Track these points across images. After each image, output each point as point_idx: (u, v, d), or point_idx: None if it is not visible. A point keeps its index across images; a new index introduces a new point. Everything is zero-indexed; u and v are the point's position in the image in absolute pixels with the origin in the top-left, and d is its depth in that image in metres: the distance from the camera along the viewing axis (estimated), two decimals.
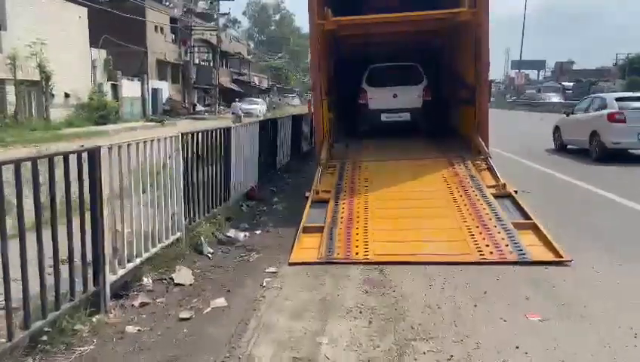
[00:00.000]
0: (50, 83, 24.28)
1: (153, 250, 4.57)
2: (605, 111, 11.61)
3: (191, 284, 4.53)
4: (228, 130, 6.61)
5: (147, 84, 35.97)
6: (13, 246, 2.98)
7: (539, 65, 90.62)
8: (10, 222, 3.00)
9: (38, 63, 23.19)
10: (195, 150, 5.68)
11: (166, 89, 39.59)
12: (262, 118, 9.10)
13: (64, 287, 3.45)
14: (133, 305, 4.01)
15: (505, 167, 8.07)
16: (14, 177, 2.98)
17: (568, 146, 13.72)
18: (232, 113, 30.36)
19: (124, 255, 4.09)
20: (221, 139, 6.49)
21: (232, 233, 6.15)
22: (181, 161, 5.12)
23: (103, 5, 30.88)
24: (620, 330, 3.44)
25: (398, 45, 13.09)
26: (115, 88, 31.90)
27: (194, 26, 42.16)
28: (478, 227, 5.47)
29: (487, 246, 5.04)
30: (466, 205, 6.12)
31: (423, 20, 9.53)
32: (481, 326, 3.55)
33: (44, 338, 3.26)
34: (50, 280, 3.30)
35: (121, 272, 4.03)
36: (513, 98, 63.64)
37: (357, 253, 5.07)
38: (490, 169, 7.46)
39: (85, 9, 28.37)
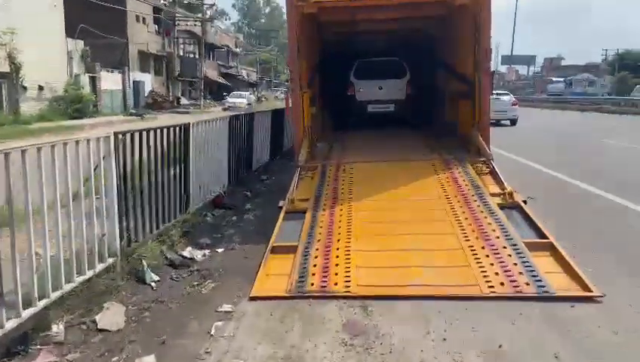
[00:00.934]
0: (20, 75, 22.87)
1: (68, 287, 3.52)
2: None
3: (119, 330, 3.49)
4: (186, 127, 5.55)
5: (128, 76, 34.53)
6: None
7: (529, 60, 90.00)
8: None
9: (7, 54, 21.80)
10: (139, 153, 4.64)
11: (149, 81, 38.12)
12: (237, 113, 8.02)
13: None
14: None
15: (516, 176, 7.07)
16: None
17: None
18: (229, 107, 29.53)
19: (19, 298, 3.04)
20: (178, 139, 5.45)
21: (188, 252, 5.12)
22: (114, 167, 4.06)
23: None
24: None
25: (387, 35, 12.13)
26: (93, 80, 30.44)
27: (178, 16, 40.69)
28: (484, 248, 4.49)
29: (497, 274, 4.06)
30: (467, 218, 5.13)
31: (416, 4, 8.54)
32: None
33: None
34: None
35: (9, 325, 2.98)
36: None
37: (336, 283, 4.06)
38: (492, 173, 6.48)
39: None
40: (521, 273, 4.06)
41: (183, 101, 40.73)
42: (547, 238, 4.64)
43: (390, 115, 11.39)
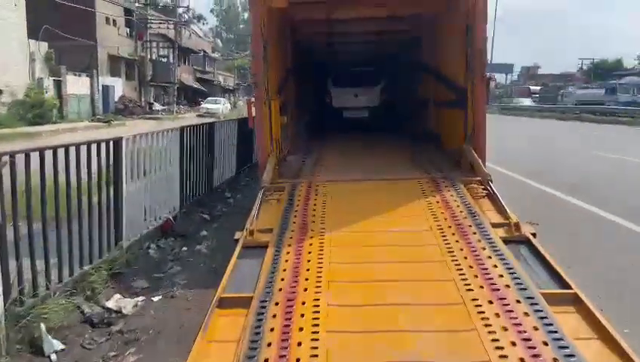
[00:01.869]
0: None
1: None
2: None
3: None
4: (116, 143, 4.43)
5: (97, 80, 33.00)
6: None
7: (507, 68, 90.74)
8: None
9: None
10: (42, 176, 3.52)
11: (119, 86, 36.59)
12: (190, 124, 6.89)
13: None
14: None
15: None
16: None
17: None
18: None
19: None
20: (105, 157, 4.33)
21: (114, 302, 4.00)
22: None
23: None
24: None
25: (368, 39, 11.20)
26: (58, 84, 28.88)
27: (150, 19, 39.25)
28: (492, 302, 3.47)
29: (514, 345, 3.04)
30: (466, 258, 4.10)
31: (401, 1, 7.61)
32: None
33: None
34: None
35: None
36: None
37: (298, 360, 2.99)
38: (491, 197, 5.47)
39: None
40: (545, 343, 3.04)
41: (156, 106, 39.26)
42: (570, 288, 3.65)
43: (365, 120, 12.06)
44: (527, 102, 46.91)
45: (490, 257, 4.12)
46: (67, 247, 3.80)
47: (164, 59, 43.09)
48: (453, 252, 4.25)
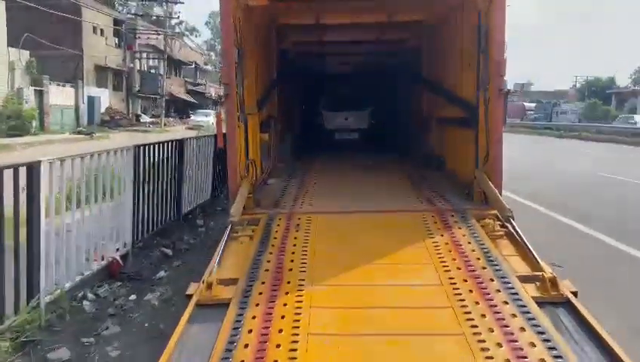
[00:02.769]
0: None
1: None
2: None
3: None
4: (29, 168, 3.36)
5: (82, 91, 31.90)
6: None
7: None
8: None
9: None
10: None
11: (106, 97, 35.46)
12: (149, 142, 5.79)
13: None
14: None
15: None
16: None
17: None
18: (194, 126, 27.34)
19: None
20: (12, 188, 3.27)
21: None
22: None
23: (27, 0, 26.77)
24: None
25: (362, 49, 10.28)
26: (40, 95, 27.74)
27: (139, 29, 38.32)
28: None
29: None
30: (492, 330, 3.04)
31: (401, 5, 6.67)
32: None
33: None
34: None
35: None
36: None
37: None
38: (511, 236, 4.43)
39: (3, 2, 24.37)
40: None
41: (144, 118, 38.18)
42: None
43: (356, 141, 12.83)
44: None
45: (523, 329, 3.07)
46: None
47: (154, 71, 42.12)
48: (473, 320, 3.19)
